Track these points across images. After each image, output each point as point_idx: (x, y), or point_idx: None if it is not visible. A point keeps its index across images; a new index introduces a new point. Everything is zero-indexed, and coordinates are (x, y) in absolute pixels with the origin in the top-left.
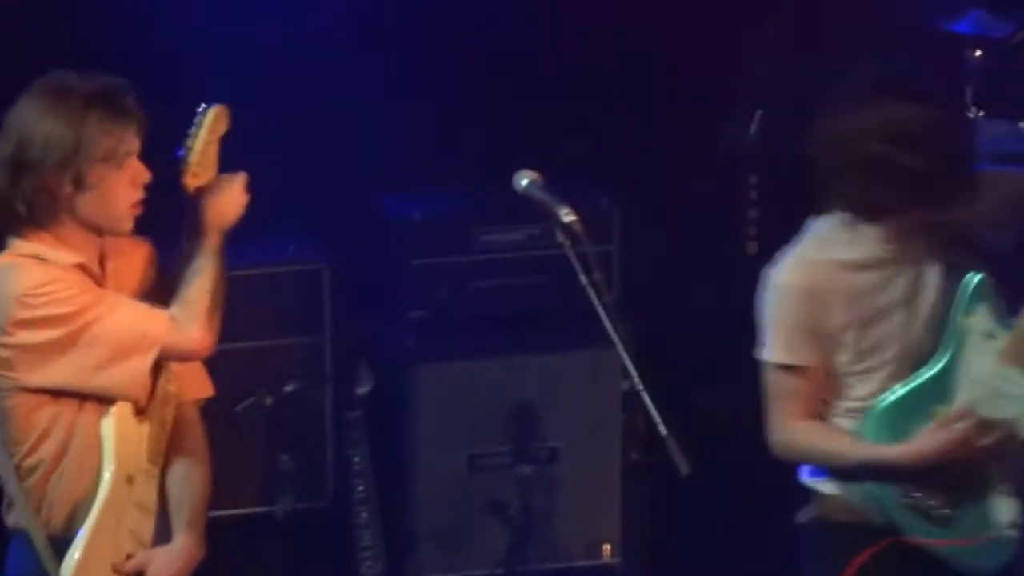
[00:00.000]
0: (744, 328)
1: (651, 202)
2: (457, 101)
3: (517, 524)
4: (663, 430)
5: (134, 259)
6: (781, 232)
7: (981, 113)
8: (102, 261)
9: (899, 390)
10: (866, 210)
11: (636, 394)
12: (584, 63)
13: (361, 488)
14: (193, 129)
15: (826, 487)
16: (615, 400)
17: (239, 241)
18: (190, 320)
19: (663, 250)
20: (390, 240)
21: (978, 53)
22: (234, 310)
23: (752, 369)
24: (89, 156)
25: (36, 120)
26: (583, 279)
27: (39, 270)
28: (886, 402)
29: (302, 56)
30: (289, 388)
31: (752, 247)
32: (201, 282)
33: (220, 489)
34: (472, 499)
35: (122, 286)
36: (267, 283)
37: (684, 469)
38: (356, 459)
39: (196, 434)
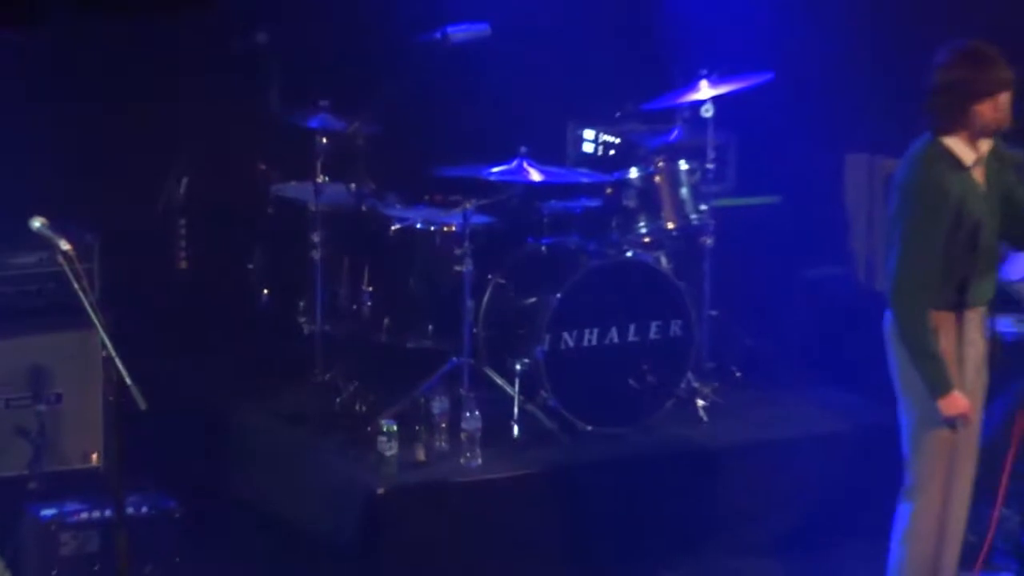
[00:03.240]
0: (175, 315)
1: (118, 237)
2: None
3: (36, 441)
4: (128, 381)
5: None
6: (204, 257)
7: (326, 178)
8: None
9: None
10: None
11: (111, 359)
12: (72, 130)
13: None
14: None
15: None
16: (98, 362)
17: None
18: None
19: (126, 267)
20: None
21: (324, 140)
22: None
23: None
24: None
25: None
26: (76, 285)
27: None
28: None
29: None
30: None
31: (184, 264)
32: None
33: None
34: (6, 426)
35: None
36: None
37: (142, 405)
38: None
39: None
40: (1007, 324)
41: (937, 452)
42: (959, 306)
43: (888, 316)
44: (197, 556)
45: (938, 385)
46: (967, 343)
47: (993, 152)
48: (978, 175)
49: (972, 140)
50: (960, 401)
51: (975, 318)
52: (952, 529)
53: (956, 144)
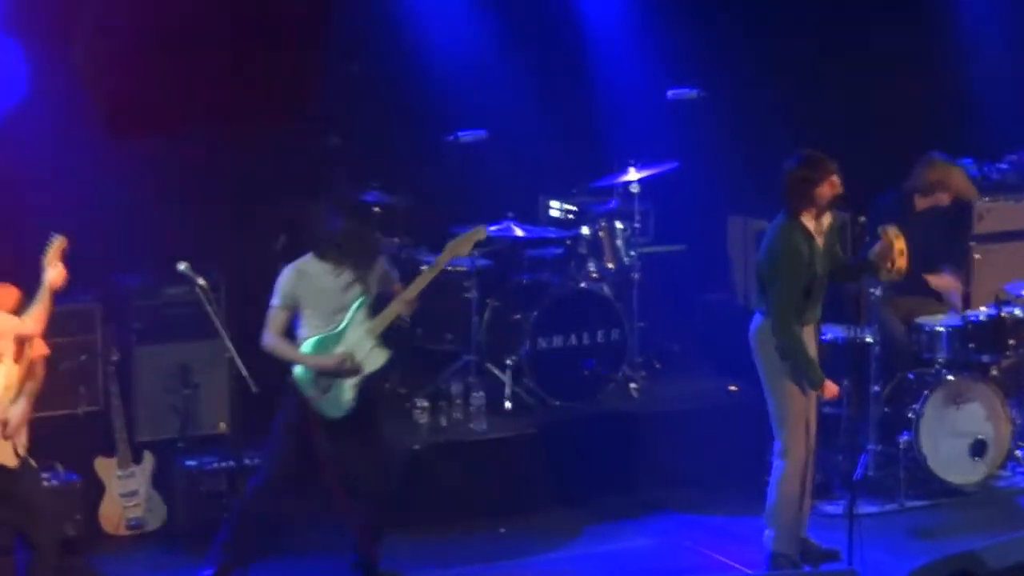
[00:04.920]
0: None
1: (237, 277)
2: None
3: (183, 414)
4: (244, 373)
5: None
6: None
7: (379, 235)
8: None
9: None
10: None
11: (232, 359)
12: (205, 206)
13: None
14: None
15: (296, 371)
16: (224, 361)
17: None
18: None
19: (242, 297)
20: None
21: (377, 209)
22: None
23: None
24: None
25: None
26: (209, 308)
27: None
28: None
29: None
30: None
31: None
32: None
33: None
34: (163, 404)
35: None
36: None
37: (253, 389)
38: None
39: None
40: (839, 331)
41: (797, 424)
42: (800, 323)
43: (754, 325)
44: (296, 491)
45: (816, 378)
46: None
47: (831, 226)
48: (820, 241)
49: (817, 216)
50: (832, 386)
51: (809, 330)
52: (808, 476)
53: (807, 220)
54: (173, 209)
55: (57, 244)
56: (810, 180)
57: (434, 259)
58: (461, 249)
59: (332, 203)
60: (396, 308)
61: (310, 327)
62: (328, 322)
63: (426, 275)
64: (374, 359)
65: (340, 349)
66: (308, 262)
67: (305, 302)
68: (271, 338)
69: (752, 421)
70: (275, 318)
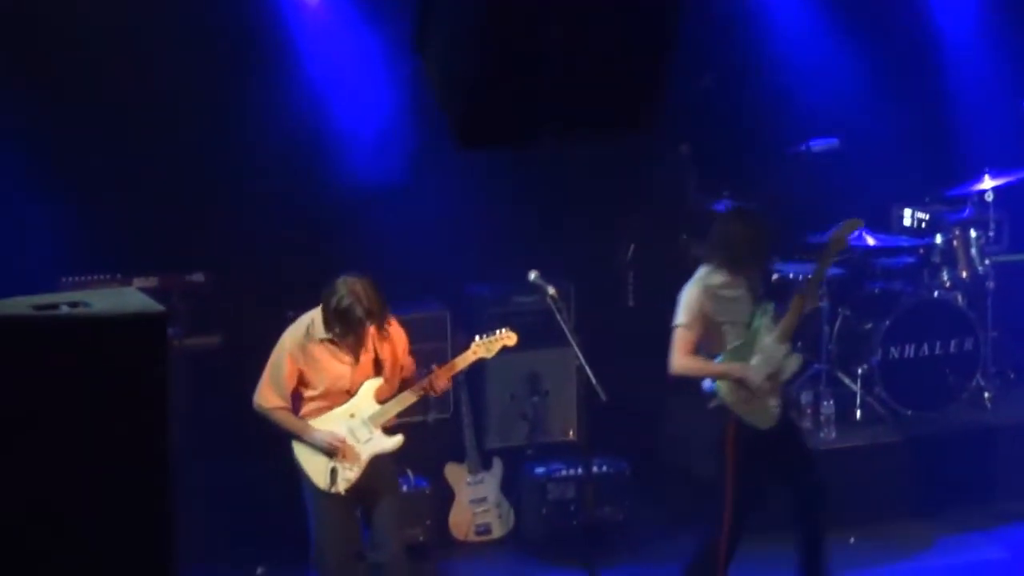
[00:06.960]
0: (626, 337)
1: (587, 285)
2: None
3: (532, 422)
4: (593, 381)
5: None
6: (646, 298)
7: None
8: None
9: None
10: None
11: (582, 367)
12: (556, 216)
13: None
14: None
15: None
16: (573, 369)
17: None
18: None
19: (592, 305)
20: None
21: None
22: None
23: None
24: None
25: None
26: (559, 317)
27: None
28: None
29: None
30: None
31: (631, 302)
32: None
33: None
34: (512, 412)
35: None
36: None
37: (603, 397)
38: None
39: None
40: None
41: None
42: None
43: None
44: (642, 500)
45: None
46: None
47: None
48: None
49: None
50: None
51: None
52: None
53: None
54: (524, 219)
55: (504, 337)
56: None
57: (791, 267)
58: (842, 244)
59: (729, 211)
60: (798, 307)
61: (721, 342)
62: (739, 334)
63: (820, 270)
64: (791, 364)
65: (757, 358)
66: (709, 275)
67: (715, 316)
68: (682, 359)
69: None
70: (683, 338)
